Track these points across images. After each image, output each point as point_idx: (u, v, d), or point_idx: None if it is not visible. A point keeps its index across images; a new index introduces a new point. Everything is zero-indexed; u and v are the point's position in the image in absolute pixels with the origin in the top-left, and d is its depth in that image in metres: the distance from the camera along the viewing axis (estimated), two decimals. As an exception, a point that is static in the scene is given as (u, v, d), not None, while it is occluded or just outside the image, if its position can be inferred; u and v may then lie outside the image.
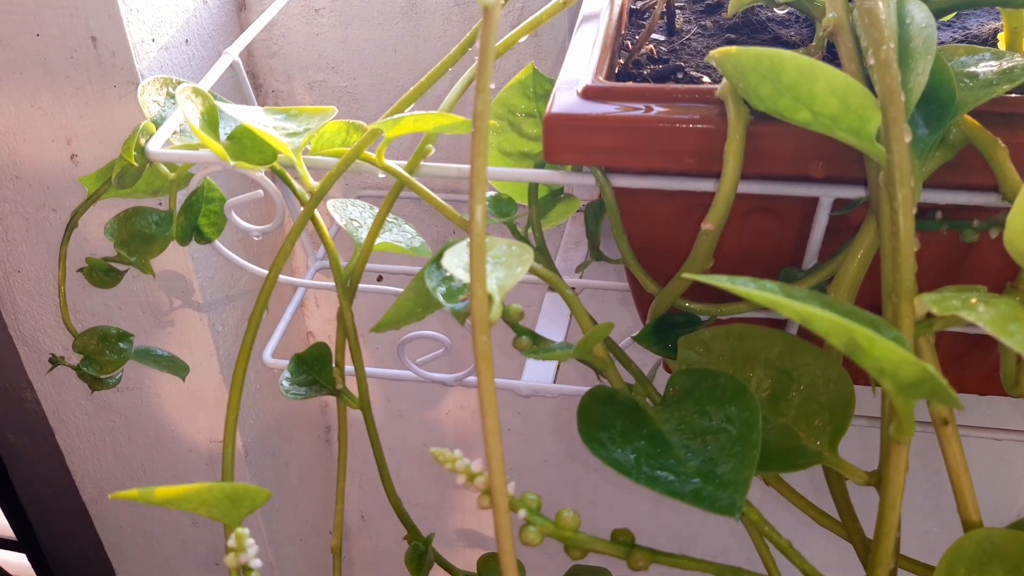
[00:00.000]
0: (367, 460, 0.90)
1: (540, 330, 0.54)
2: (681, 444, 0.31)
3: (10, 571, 1.03)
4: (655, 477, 0.29)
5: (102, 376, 0.49)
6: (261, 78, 0.66)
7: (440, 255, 0.36)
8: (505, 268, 0.31)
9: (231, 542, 0.30)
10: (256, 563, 0.31)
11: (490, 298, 0.30)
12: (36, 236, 0.61)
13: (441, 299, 0.34)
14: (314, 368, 0.43)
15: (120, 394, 0.70)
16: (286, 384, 0.43)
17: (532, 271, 0.36)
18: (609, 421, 0.32)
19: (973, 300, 0.24)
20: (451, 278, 0.35)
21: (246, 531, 0.30)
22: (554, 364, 0.54)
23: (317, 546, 0.89)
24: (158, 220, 0.44)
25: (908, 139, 0.27)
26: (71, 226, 0.47)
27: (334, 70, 0.64)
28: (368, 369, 0.50)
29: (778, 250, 0.41)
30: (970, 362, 0.44)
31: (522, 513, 0.29)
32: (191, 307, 0.63)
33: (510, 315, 0.33)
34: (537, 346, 0.34)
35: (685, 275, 0.25)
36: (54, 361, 0.52)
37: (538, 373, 0.53)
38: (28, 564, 1.01)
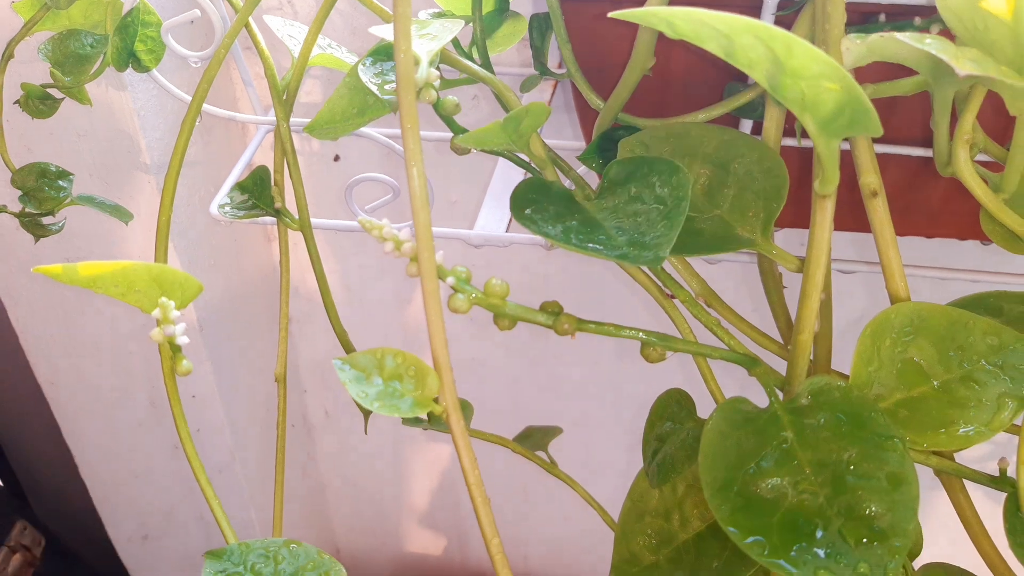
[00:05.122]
0: (331, 353, 0.90)
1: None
2: (613, 226, 0.30)
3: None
4: (583, 247, 0.29)
5: (42, 216, 0.48)
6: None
7: (375, 48, 0.35)
8: (436, 40, 0.31)
9: (156, 313, 0.30)
10: (183, 339, 0.30)
11: (416, 60, 0.30)
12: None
13: (375, 90, 0.33)
14: (254, 192, 0.42)
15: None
16: (227, 210, 0.42)
17: (455, 64, 0.35)
18: (542, 206, 0.32)
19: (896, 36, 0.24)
20: (385, 72, 0.35)
21: (171, 302, 0.30)
22: (506, 215, 0.53)
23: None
24: (93, 42, 0.43)
25: None
26: (6, 55, 0.46)
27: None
28: (313, 220, 0.49)
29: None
30: (911, 202, 0.44)
31: (450, 280, 0.29)
32: (139, 169, 0.61)
33: (445, 107, 0.33)
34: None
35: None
36: (-5, 209, 0.51)
37: (490, 223, 0.53)
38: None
